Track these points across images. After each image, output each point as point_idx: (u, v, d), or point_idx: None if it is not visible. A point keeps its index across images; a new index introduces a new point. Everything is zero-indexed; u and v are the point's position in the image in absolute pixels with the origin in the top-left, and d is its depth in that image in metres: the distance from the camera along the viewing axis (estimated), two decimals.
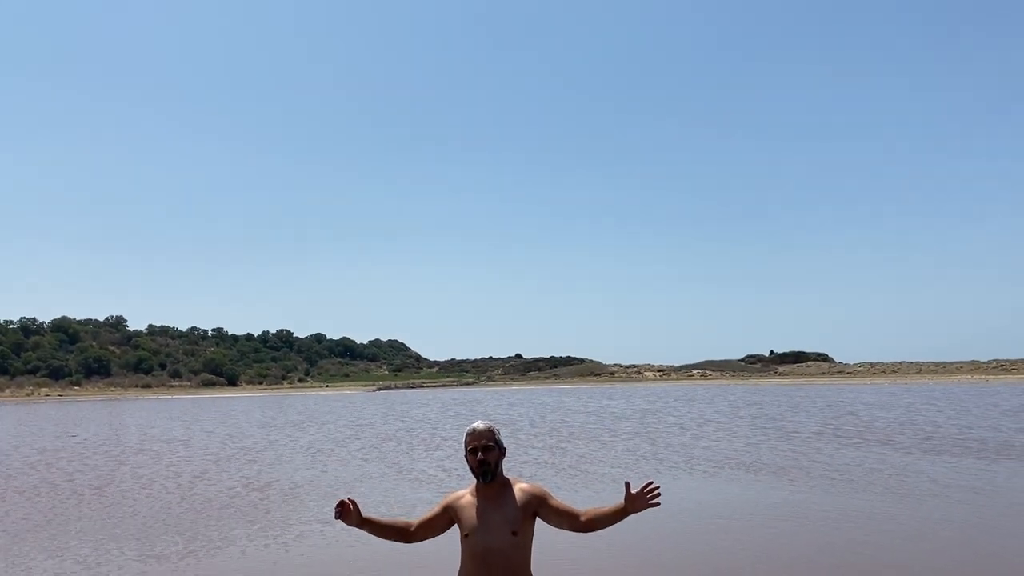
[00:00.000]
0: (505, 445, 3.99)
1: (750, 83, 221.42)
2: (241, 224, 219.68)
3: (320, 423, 39.92)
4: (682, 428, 31.47)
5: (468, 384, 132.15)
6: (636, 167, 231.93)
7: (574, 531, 3.83)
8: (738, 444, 24.33)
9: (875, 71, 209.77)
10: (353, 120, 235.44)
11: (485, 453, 3.82)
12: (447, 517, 3.89)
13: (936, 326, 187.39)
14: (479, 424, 3.93)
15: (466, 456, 3.91)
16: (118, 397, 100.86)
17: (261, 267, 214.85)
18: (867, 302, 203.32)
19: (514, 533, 3.70)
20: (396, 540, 3.97)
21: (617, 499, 3.80)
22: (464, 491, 3.93)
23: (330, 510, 13.79)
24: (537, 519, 3.84)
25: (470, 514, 3.78)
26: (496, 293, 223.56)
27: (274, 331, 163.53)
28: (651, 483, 3.70)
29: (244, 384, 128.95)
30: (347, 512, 3.79)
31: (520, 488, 3.84)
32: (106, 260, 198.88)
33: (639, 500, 3.67)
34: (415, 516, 4.04)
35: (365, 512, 3.85)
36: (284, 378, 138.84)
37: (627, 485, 3.72)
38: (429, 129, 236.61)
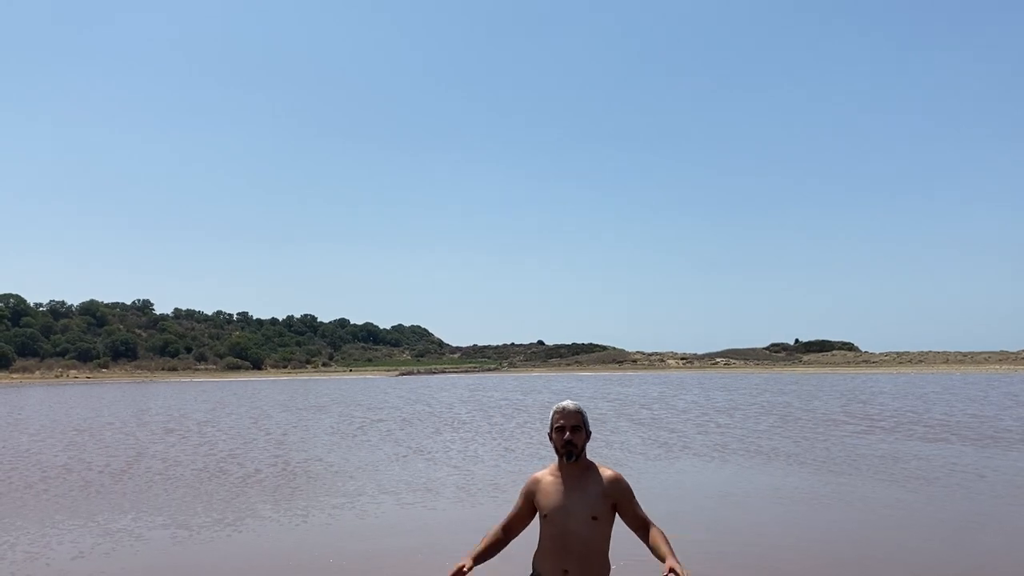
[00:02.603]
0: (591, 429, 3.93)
1: (781, 61, 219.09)
2: (267, 209, 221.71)
3: (344, 406, 40.48)
4: (687, 414, 31.83)
5: (490, 370, 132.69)
6: (663, 152, 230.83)
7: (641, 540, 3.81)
8: (739, 430, 24.61)
9: (926, 47, 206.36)
10: (378, 106, 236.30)
11: (573, 433, 3.75)
12: (530, 504, 3.87)
13: (965, 315, 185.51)
14: (569, 404, 3.86)
15: (551, 434, 3.84)
16: (144, 380, 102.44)
17: (286, 252, 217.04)
18: (896, 291, 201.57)
19: (594, 518, 3.67)
20: (501, 550, 3.95)
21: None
22: (543, 472, 3.90)
23: (354, 488, 14.23)
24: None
25: (552, 495, 3.75)
26: (519, 279, 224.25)
27: (299, 316, 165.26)
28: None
29: (269, 368, 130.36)
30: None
31: (605, 474, 3.79)
32: (134, 244, 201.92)
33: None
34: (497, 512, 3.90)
35: (473, 553, 3.82)
36: (308, 362, 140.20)
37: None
38: (454, 116, 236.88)
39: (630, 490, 3.82)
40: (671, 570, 3.44)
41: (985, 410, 31.77)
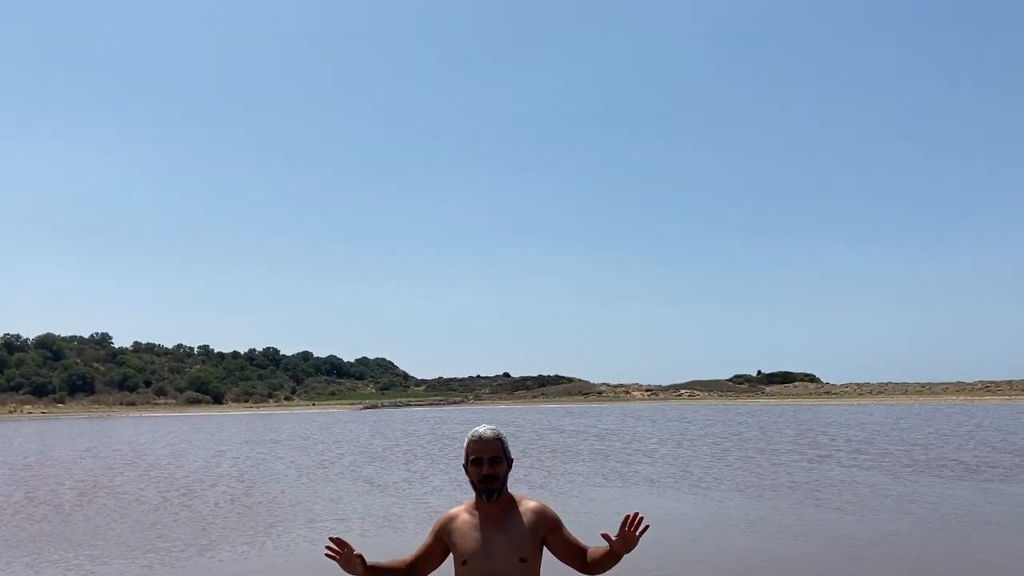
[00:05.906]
0: (512, 456, 3.32)
1: (733, 103, 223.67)
2: (229, 241, 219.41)
3: (306, 441, 40.14)
4: (638, 443, 32.51)
5: (456, 403, 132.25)
6: (623, 186, 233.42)
7: (578, 570, 3.25)
8: (684, 459, 25.42)
9: (864, 85, 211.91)
10: (344, 137, 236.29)
11: (493, 466, 3.16)
12: (442, 544, 3.28)
13: (925, 347, 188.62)
14: (485, 430, 3.22)
15: (466, 467, 3.24)
16: (102, 415, 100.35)
17: (248, 284, 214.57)
18: (858, 323, 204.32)
19: (522, 560, 3.12)
20: None
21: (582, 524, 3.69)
22: (458, 509, 3.31)
23: (314, 520, 14.21)
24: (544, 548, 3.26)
25: (469, 537, 3.17)
26: (485, 311, 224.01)
27: (261, 349, 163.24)
28: (632, 515, 3.12)
29: (230, 402, 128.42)
30: (346, 558, 3.23)
31: (529, 508, 3.22)
32: (91, 276, 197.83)
33: (628, 538, 3.11)
34: (413, 544, 3.51)
35: (372, 561, 3.30)
36: (270, 396, 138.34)
37: (606, 536, 3.16)
38: (419, 146, 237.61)
39: (558, 518, 3.26)
40: (633, 519, 3.10)
41: (920, 439, 32.95)
